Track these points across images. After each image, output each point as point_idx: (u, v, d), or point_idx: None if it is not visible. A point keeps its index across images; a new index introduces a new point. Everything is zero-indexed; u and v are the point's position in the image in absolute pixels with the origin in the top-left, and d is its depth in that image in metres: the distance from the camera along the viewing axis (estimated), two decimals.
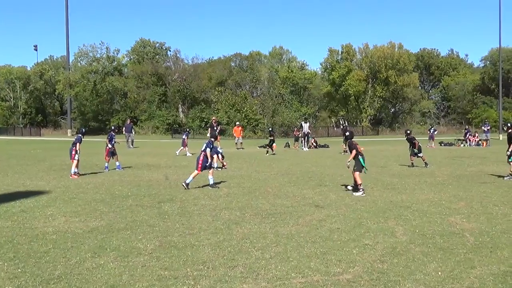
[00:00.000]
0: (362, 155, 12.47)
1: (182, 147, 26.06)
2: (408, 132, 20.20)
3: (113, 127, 20.06)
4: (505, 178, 14.92)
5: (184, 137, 27.04)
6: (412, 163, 18.75)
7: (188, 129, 31.72)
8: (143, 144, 38.07)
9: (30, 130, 73.02)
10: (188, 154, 25.09)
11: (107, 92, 66.02)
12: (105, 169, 17.58)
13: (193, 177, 13.25)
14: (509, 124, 16.50)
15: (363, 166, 12.34)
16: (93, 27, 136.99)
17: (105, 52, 69.45)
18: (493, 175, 15.86)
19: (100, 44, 71.31)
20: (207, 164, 13.36)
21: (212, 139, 14.26)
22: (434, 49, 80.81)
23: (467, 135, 37.32)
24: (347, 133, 13.99)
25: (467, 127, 40.43)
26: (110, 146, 17.84)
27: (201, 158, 13.33)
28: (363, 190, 11.95)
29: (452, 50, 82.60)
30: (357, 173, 12.16)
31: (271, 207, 10.34)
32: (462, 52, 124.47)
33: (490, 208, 10.15)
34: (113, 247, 7.12)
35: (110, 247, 7.14)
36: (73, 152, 16.10)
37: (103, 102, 65.94)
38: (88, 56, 69.11)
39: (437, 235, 7.78)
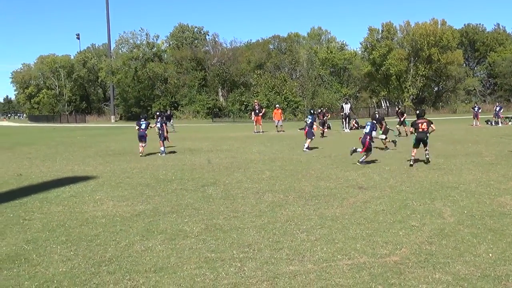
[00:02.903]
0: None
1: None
2: (376, 112, 20.12)
3: (159, 112, 20.20)
4: None
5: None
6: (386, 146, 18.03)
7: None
8: (184, 129, 38.53)
9: (75, 117, 75.18)
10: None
11: (148, 78, 66.93)
12: (161, 153, 17.94)
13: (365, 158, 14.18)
14: None
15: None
16: (133, 14, 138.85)
17: (145, 39, 70.32)
18: None
19: (140, 30, 72.68)
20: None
21: (374, 122, 15.16)
22: (479, 24, 78.08)
23: None
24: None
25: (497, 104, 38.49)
26: (159, 130, 18.13)
27: (367, 141, 14.07)
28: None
29: (498, 24, 79.78)
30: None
31: (314, 189, 10.31)
32: (509, 27, 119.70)
33: None
34: (160, 230, 7.27)
35: (158, 230, 7.30)
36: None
37: (144, 88, 66.91)
38: (129, 43, 70.14)
39: (486, 216, 7.58)
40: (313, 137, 18.42)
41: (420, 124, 13.83)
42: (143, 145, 17.88)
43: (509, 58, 68.08)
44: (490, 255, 5.81)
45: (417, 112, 14.82)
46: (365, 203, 8.76)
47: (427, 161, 13.78)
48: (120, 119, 70.30)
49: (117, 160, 16.53)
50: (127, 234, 7.13)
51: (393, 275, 5.25)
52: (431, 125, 14.06)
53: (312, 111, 20.10)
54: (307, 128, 18.36)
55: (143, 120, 18.30)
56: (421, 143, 13.80)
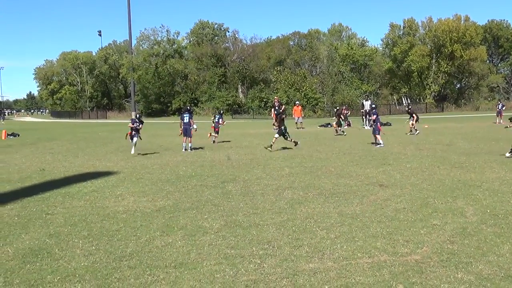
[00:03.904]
0: None
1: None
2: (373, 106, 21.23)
3: (188, 107, 20.18)
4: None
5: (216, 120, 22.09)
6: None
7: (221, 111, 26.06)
8: (204, 126, 38.63)
9: (97, 113, 76.11)
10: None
11: (168, 75, 67.31)
12: (187, 149, 18.08)
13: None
14: None
15: None
16: (154, 11, 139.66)
17: (166, 35, 70.69)
18: None
19: (160, 27, 72.78)
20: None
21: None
22: (504, 20, 76.61)
23: None
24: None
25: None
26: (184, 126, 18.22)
27: None
28: None
29: None
30: None
31: (334, 186, 10.26)
32: None
33: None
34: (181, 226, 7.31)
35: (178, 226, 7.34)
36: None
37: (164, 85, 67.35)
38: (150, 39, 70.59)
39: (510, 215, 7.45)
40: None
41: None
42: (188, 139, 18.11)
43: None
44: None
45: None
46: (385, 201, 8.68)
47: None
48: (186, 111, 70.76)
49: (138, 156, 16.67)
50: (148, 229, 7.18)
51: (414, 274, 5.19)
52: None
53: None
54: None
55: (187, 113, 18.36)
56: None
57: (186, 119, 18.04)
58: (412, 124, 23.14)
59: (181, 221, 7.62)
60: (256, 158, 15.30)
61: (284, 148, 18.25)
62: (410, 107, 24.24)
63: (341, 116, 27.38)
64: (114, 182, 11.44)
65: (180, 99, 65.05)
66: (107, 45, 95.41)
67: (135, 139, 17.23)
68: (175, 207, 8.62)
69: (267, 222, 7.44)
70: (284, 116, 18.58)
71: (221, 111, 25.32)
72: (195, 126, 18.75)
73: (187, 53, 72.96)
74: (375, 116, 18.99)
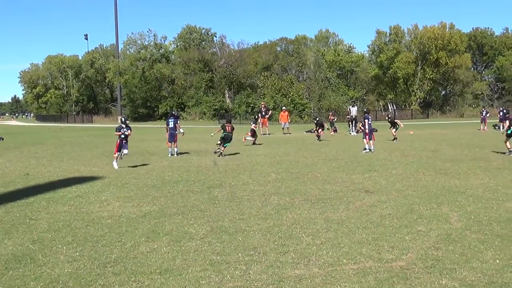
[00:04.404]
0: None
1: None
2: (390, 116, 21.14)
3: (174, 112, 20.15)
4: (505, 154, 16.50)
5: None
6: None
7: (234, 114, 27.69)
8: (190, 130, 38.54)
9: (82, 117, 75.50)
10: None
11: (155, 79, 67.07)
12: (173, 154, 18.02)
13: None
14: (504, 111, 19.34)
15: None
16: (141, 15, 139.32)
17: (153, 40, 70.46)
18: None
19: (147, 31, 72.54)
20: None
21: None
22: (488, 28, 77.70)
23: None
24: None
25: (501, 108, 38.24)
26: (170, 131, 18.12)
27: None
28: None
29: (507, 28, 78.96)
30: None
31: (320, 192, 10.28)
32: None
33: None
34: (166, 232, 7.27)
35: (163, 231, 7.30)
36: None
37: (151, 89, 67.07)
38: (137, 44, 70.29)
39: (493, 222, 7.53)
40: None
41: None
42: (173, 144, 18.02)
43: None
44: (497, 261, 5.76)
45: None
46: (371, 207, 8.73)
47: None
48: (127, 119, 70.51)
49: (123, 161, 16.54)
50: (133, 235, 7.13)
51: (399, 281, 5.22)
52: None
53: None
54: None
55: (172, 117, 18.33)
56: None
57: (171, 124, 18.02)
58: (394, 132, 23.37)
59: (167, 226, 7.58)
60: (242, 164, 15.29)
61: (269, 153, 18.26)
62: (390, 116, 24.52)
63: (323, 125, 26.87)
64: (99, 187, 11.36)
65: (167, 104, 64.84)
66: (93, 49, 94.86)
67: (125, 151, 14.87)
68: (161, 212, 8.58)
69: (253, 228, 7.43)
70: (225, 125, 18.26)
71: (256, 117, 27.44)
72: (181, 131, 18.70)
73: (174, 58, 72.78)
74: (365, 121, 18.97)
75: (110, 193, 10.55)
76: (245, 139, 22.95)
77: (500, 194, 9.77)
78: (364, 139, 18.60)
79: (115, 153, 15.06)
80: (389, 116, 24.30)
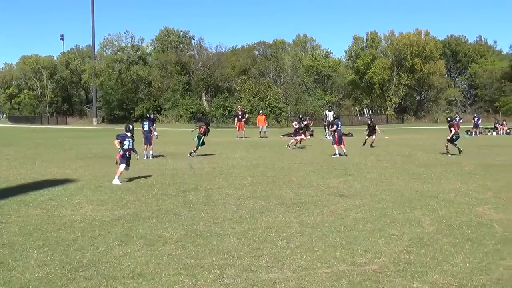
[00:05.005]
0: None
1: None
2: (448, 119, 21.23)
3: (148, 115, 20.08)
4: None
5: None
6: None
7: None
8: (167, 133, 38.30)
9: (56, 119, 74.38)
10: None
11: (132, 81, 66.52)
12: (149, 157, 17.89)
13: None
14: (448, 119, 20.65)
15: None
16: (118, 16, 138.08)
17: (130, 41, 69.85)
18: None
19: (125, 33, 71.61)
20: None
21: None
22: (462, 35, 79.20)
23: (496, 124, 36.65)
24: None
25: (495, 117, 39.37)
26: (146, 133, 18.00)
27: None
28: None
29: (480, 36, 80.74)
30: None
31: (295, 196, 10.32)
32: (490, 39, 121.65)
33: None
34: (140, 236, 7.21)
35: (137, 235, 7.23)
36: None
37: (127, 91, 66.45)
38: (113, 45, 69.57)
39: (464, 226, 7.66)
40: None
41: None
42: (149, 147, 17.90)
43: (489, 70, 69.18)
44: (468, 264, 5.86)
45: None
46: (345, 211, 8.80)
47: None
48: (102, 121, 69.74)
49: (98, 163, 16.38)
50: (106, 239, 7.05)
51: (371, 284, 5.27)
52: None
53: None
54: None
55: (147, 120, 18.28)
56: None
57: (146, 127, 17.96)
58: (374, 138, 23.25)
59: (141, 230, 7.52)
60: (218, 167, 15.25)
61: (245, 156, 18.27)
62: (372, 120, 24.31)
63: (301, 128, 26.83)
64: (72, 190, 11.19)
65: (143, 106, 64.30)
66: (69, 49, 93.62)
67: (122, 166, 12.26)
68: (135, 216, 8.50)
69: (228, 231, 7.42)
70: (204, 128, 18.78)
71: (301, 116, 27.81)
72: (156, 133, 18.61)
73: (151, 60, 72.28)
74: (335, 126, 19.22)
75: (83, 196, 10.41)
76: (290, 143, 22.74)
77: (471, 198, 9.95)
78: (334, 145, 18.72)
79: (119, 170, 12.18)
80: (372, 121, 24.25)
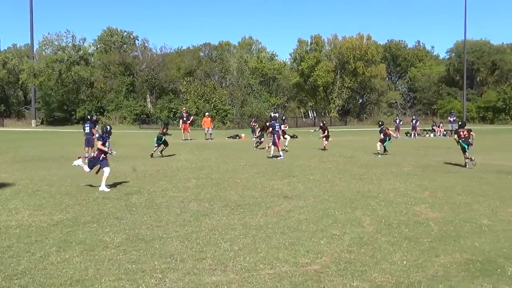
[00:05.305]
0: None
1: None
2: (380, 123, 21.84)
3: (90, 117, 19.61)
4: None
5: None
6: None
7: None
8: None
9: None
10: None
11: (73, 82, 64.53)
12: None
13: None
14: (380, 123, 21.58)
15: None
16: (59, 15, 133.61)
17: (71, 41, 67.77)
18: (457, 165, 16.22)
19: (65, 32, 69.30)
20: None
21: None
22: (402, 40, 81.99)
23: (433, 126, 38.17)
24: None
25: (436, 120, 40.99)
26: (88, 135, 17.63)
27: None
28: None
29: (418, 42, 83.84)
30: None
31: (240, 198, 10.34)
32: (428, 44, 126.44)
33: (453, 197, 10.38)
34: (79, 241, 7.00)
35: (76, 240, 7.02)
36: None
37: (68, 92, 64.42)
38: (53, 44, 67.27)
39: (402, 225, 7.91)
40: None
41: (461, 133, 16.32)
42: (90, 149, 17.43)
43: (427, 74, 72.08)
44: (405, 262, 6.05)
45: (460, 123, 17.60)
46: (289, 212, 8.89)
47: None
48: (42, 123, 67.31)
49: (36, 167, 15.79)
50: (43, 245, 6.80)
51: (313, 284, 5.35)
52: (471, 133, 16.54)
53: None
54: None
55: (88, 122, 17.86)
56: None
57: (87, 129, 17.54)
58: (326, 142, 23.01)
59: (80, 235, 7.30)
60: (162, 170, 15.06)
61: (190, 159, 18.15)
62: (324, 123, 24.04)
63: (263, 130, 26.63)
64: (8, 194, 10.74)
65: (85, 108, 62.49)
66: (6, 48, 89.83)
67: (106, 169, 11.57)
68: (74, 221, 8.25)
69: (171, 235, 7.33)
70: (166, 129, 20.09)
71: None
72: (97, 135, 18.19)
73: (93, 60, 70.37)
74: (271, 128, 19.57)
75: (19, 201, 10.00)
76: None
77: (409, 198, 10.30)
78: (273, 146, 18.95)
79: (105, 176, 11.48)
80: (324, 123, 24.10)
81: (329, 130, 23.45)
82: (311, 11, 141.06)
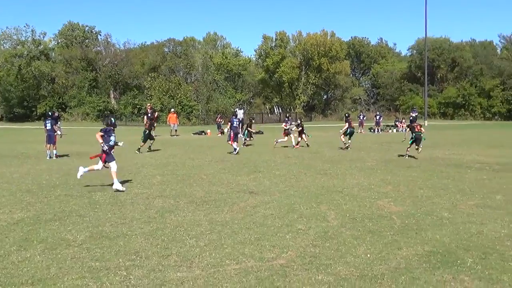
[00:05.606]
0: None
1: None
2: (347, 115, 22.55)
3: (51, 113, 19.11)
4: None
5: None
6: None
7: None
8: (72, 132, 36.74)
9: None
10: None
11: (33, 77, 63.08)
12: (52, 157, 17.09)
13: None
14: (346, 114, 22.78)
15: None
16: (17, 9, 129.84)
17: (31, 35, 66.23)
18: (418, 159, 16.58)
19: (25, 27, 67.69)
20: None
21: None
22: (365, 37, 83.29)
23: (396, 121, 38.91)
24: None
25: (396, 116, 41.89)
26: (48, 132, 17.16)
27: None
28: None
29: (381, 39, 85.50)
30: None
31: (205, 194, 10.30)
32: (390, 41, 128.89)
33: (415, 191, 10.61)
34: (41, 239, 6.84)
35: (37, 239, 6.86)
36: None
37: (29, 88, 62.93)
38: (12, 39, 65.66)
39: (366, 219, 8.04)
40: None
41: (416, 127, 17.37)
42: (52, 146, 17.10)
43: (390, 70, 73.46)
44: (369, 255, 6.15)
45: (410, 119, 18.58)
46: (254, 208, 8.91)
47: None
48: (1, 120, 65.49)
49: None
50: (3, 244, 6.62)
51: (279, 278, 5.38)
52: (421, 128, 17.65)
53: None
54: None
55: (49, 119, 17.42)
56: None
57: (48, 126, 17.12)
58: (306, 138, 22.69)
59: (42, 234, 7.14)
60: (127, 166, 14.85)
61: (155, 155, 17.97)
62: (300, 121, 23.38)
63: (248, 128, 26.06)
64: None
65: (46, 104, 61.21)
66: None
67: (113, 164, 11.02)
68: (36, 219, 8.06)
69: (136, 232, 7.25)
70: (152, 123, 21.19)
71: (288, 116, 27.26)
72: (59, 132, 17.86)
73: (54, 55, 68.93)
74: (229, 124, 19.91)
75: None
76: (276, 142, 22.57)
77: (373, 192, 10.47)
78: (229, 141, 19.11)
79: (113, 171, 10.91)
80: (300, 121, 23.54)
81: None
82: (276, 7, 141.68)
